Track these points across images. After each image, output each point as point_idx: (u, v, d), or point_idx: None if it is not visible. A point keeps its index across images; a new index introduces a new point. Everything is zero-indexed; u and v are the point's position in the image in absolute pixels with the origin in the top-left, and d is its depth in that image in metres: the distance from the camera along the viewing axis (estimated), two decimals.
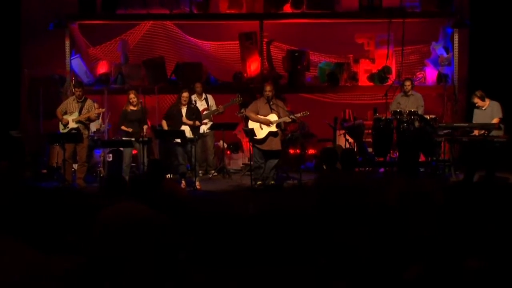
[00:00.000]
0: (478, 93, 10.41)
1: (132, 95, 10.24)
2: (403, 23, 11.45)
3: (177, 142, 9.77)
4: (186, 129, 9.77)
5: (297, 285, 6.41)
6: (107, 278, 3.87)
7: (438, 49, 12.90)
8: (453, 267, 3.93)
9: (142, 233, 4.11)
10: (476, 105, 10.43)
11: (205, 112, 11.02)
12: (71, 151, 10.15)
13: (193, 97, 10.82)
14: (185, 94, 9.88)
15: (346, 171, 5.76)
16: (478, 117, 10.46)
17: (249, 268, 7.03)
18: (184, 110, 9.87)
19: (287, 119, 9.79)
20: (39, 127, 11.83)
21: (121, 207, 4.32)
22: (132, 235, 4.06)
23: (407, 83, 10.90)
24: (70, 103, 10.39)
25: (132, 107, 10.25)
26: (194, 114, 9.87)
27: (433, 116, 10.55)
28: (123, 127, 10.27)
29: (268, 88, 9.86)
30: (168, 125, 9.98)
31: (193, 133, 9.75)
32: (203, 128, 10.51)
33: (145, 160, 10.02)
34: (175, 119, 9.87)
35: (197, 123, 9.99)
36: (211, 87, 12.33)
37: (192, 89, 11.15)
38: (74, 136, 10.08)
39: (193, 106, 9.90)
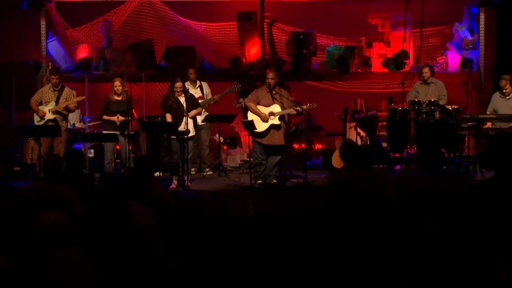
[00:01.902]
0: (508, 76, 10.40)
1: (117, 83, 10.26)
2: (422, 1, 11.42)
3: (174, 137, 9.78)
4: (189, 122, 9.81)
5: None
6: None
7: (461, 31, 12.89)
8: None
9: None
10: (503, 91, 10.42)
11: (199, 101, 11.02)
12: (47, 146, 10.16)
13: (186, 84, 10.81)
14: (178, 84, 9.89)
15: (361, 168, 5.79)
16: (499, 106, 10.46)
17: (248, 275, 7.06)
18: (184, 102, 9.86)
19: (292, 111, 9.79)
20: (11, 119, 11.83)
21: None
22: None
23: (426, 69, 10.90)
24: (46, 92, 10.40)
25: (116, 97, 10.26)
26: (193, 103, 9.95)
27: (455, 107, 10.55)
28: (105, 117, 10.28)
29: (270, 75, 9.86)
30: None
31: (195, 126, 9.86)
32: (198, 120, 10.52)
33: (131, 156, 10.03)
34: (176, 112, 9.87)
35: (199, 110, 10.07)
36: (205, 74, 12.31)
37: (185, 76, 11.15)
38: (51, 129, 10.09)
39: (188, 95, 9.95)
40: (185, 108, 9.80)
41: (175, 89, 9.88)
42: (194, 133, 10.04)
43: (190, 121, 9.84)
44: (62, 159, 6.50)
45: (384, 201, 5.42)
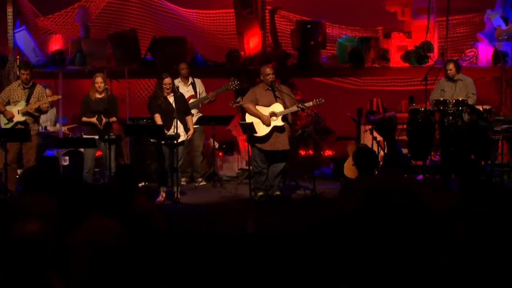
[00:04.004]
0: None
1: (99, 79, 10.23)
2: None
3: (165, 143, 9.75)
4: (179, 125, 9.77)
5: None
6: None
7: (494, 19, 12.90)
8: None
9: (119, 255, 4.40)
10: None
11: (191, 100, 11.03)
12: (15, 153, 10.16)
13: (176, 81, 10.82)
14: (167, 80, 9.85)
15: (385, 176, 5.86)
16: None
17: None
18: (173, 102, 9.83)
19: (296, 109, 9.80)
20: None
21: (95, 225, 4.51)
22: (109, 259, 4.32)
23: (450, 66, 10.87)
24: (14, 89, 10.40)
25: (98, 95, 10.25)
26: (183, 104, 9.92)
27: (487, 107, 10.56)
28: (84, 119, 10.27)
29: (268, 70, 9.86)
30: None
31: (185, 130, 9.83)
32: None
33: (113, 164, 10.02)
34: (165, 113, 9.83)
35: (190, 122, 10.03)
36: (198, 69, 12.33)
37: (175, 71, 11.15)
38: (20, 133, 10.07)
39: (178, 94, 9.91)
40: (174, 109, 9.78)
41: (163, 86, 9.85)
42: (185, 137, 10.02)
43: (180, 124, 9.82)
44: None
45: (429, 210, 5.41)
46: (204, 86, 11.57)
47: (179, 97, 9.92)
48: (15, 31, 12.53)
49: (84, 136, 10.36)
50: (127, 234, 4.72)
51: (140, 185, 9.92)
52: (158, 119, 9.88)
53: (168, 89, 9.83)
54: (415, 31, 12.90)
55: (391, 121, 11.60)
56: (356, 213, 5.70)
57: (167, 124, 9.74)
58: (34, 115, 10.34)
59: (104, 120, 10.11)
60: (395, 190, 5.72)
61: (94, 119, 10.14)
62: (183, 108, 9.94)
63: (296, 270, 7.35)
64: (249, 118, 9.88)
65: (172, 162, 9.76)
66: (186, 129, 9.97)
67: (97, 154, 10.55)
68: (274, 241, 7.70)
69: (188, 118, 10.02)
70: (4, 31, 12.42)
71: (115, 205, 5.38)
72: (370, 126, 11.48)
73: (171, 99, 9.83)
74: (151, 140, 9.99)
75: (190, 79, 11.40)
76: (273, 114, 9.76)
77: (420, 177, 10.80)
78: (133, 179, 6.29)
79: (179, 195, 9.80)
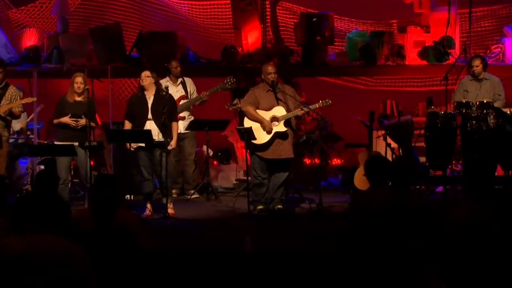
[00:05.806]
0: None
1: (79, 79, 10.10)
2: None
3: (140, 147, 9.70)
4: (153, 128, 9.71)
5: None
6: None
7: None
8: None
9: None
10: None
11: (182, 102, 11.00)
12: None
13: (165, 81, 10.80)
14: (144, 74, 9.76)
15: (397, 190, 5.85)
16: None
17: None
18: (151, 101, 9.78)
19: (300, 112, 9.78)
20: None
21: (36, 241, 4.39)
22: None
23: (476, 62, 10.87)
24: None
25: (76, 97, 10.14)
26: (165, 106, 9.81)
27: None
28: (56, 121, 10.06)
29: (270, 69, 9.85)
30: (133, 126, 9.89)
31: (163, 135, 9.71)
32: (179, 127, 10.51)
33: (92, 174, 9.99)
34: (138, 114, 9.80)
35: (176, 129, 9.97)
36: (189, 67, 12.33)
37: (164, 70, 11.13)
38: None
39: (163, 93, 9.84)
40: (149, 109, 9.69)
41: (140, 80, 9.81)
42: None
43: (155, 127, 9.68)
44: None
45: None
46: (197, 86, 11.53)
47: (163, 97, 9.79)
48: None
49: (59, 143, 10.18)
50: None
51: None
52: (127, 126, 9.84)
53: (145, 82, 9.73)
54: (434, 25, 12.92)
55: (407, 125, 11.59)
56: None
57: (137, 127, 9.71)
58: (6, 119, 10.29)
59: (84, 121, 9.90)
60: (406, 209, 5.70)
61: (66, 118, 9.93)
62: (168, 111, 9.73)
63: None
64: (247, 123, 9.86)
65: (159, 171, 9.69)
66: (167, 136, 9.77)
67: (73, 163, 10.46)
68: (275, 261, 7.68)
69: (173, 124, 9.92)
70: None
71: (100, 218, 5.34)
72: (383, 132, 11.47)
73: (150, 98, 9.75)
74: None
75: (180, 78, 11.36)
76: (274, 118, 9.74)
77: (440, 188, 10.78)
78: (115, 190, 6.23)
79: (168, 209, 9.75)
